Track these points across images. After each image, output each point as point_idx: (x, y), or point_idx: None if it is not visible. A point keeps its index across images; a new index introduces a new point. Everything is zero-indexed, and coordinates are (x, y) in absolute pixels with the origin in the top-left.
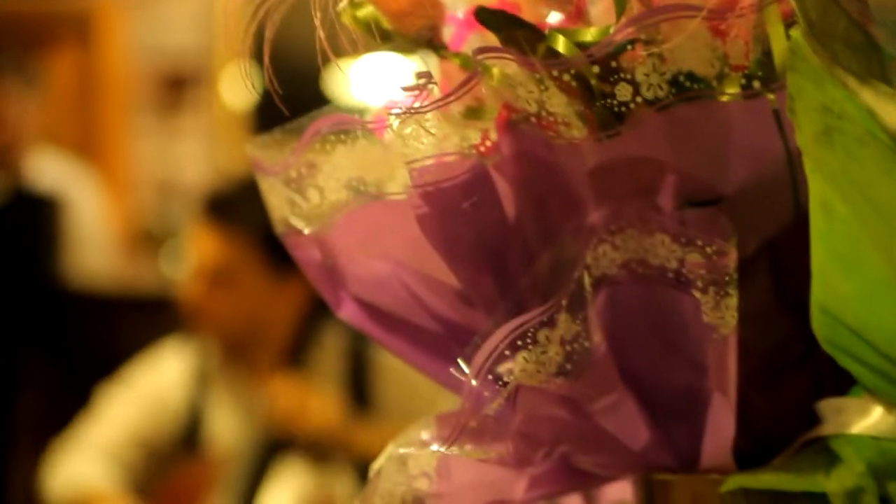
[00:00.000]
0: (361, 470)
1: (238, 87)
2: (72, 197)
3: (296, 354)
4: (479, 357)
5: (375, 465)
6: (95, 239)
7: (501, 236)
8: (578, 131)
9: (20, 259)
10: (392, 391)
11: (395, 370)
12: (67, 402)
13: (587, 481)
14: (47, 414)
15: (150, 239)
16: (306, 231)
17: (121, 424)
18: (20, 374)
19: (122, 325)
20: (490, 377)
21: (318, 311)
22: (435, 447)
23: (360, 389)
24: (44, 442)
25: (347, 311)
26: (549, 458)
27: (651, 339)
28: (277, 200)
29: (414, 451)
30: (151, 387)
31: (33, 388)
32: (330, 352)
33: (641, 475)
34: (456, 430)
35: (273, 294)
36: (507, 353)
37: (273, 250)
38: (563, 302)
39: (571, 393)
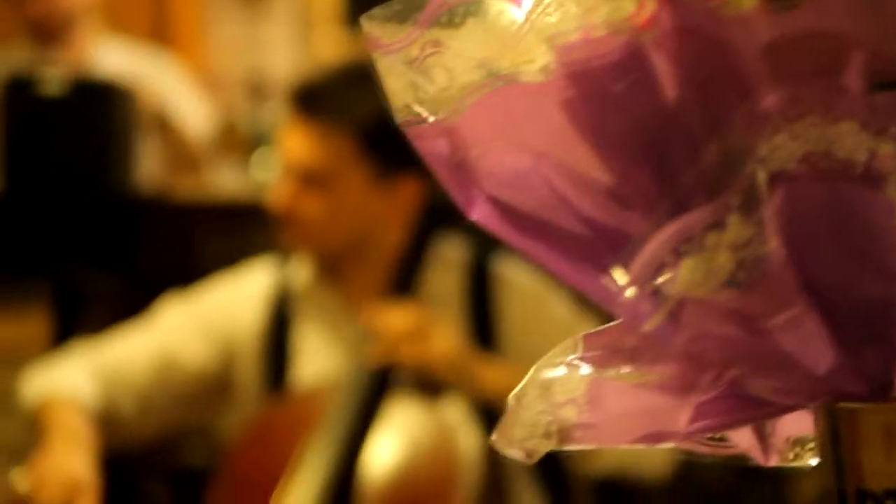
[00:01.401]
0: (484, 409)
1: None
2: (163, 94)
3: (406, 273)
4: (636, 265)
5: (514, 392)
6: (202, 141)
7: (661, 124)
8: (750, 1)
9: (84, 160)
10: (520, 314)
11: (526, 290)
12: None
13: (761, 411)
14: None
15: (235, 141)
16: (431, 119)
17: (148, 347)
18: (83, 295)
19: (204, 242)
20: (649, 288)
21: (432, 221)
22: (585, 370)
23: (482, 314)
24: None
25: (481, 213)
26: (717, 383)
27: (836, 245)
28: (397, 84)
29: (561, 375)
30: (218, 309)
31: (98, 312)
32: (447, 269)
33: (825, 403)
34: (610, 351)
35: (378, 200)
36: (668, 260)
37: (377, 148)
38: (734, 201)
39: (744, 307)
